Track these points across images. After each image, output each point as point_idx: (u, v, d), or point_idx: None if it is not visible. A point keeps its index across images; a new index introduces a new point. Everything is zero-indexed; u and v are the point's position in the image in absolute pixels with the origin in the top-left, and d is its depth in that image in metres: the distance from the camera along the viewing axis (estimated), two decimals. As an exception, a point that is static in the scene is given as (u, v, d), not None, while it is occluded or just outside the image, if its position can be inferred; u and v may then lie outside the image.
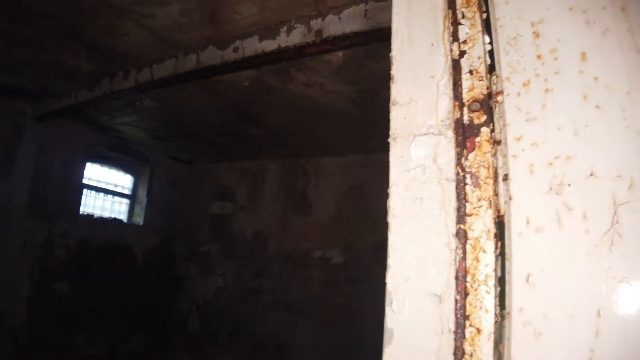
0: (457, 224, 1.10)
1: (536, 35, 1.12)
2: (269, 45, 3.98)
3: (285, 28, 3.91)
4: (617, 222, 0.92)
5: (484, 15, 1.26)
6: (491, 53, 1.21)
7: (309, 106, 5.88)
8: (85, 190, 7.92)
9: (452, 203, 1.12)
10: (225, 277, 8.83)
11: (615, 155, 0.96)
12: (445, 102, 1.21)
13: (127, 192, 8.93)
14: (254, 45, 4.10)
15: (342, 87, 5.20)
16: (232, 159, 9.28)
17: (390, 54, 1.37)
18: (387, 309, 1.17)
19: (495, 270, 1.04)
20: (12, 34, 4.53)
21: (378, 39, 3.53)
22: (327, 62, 4.63)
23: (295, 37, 3.83)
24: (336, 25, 3.62)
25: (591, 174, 0.97)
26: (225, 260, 8.94)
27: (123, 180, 8.88)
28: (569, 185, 0.98)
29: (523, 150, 1.05)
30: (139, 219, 8.88)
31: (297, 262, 8.07)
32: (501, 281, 1.04)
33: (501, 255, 1.05)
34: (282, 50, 3.90)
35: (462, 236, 1.08)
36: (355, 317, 6.99)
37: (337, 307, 7.32)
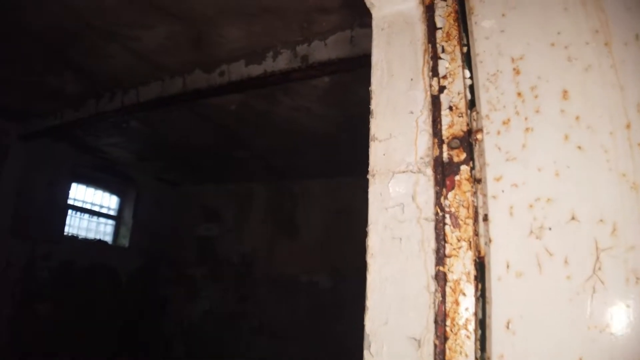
0: (436, 265, 1.07)
1: (516, 71, 1.10)
2: (255, 70, 3.97)
3: (271, 53, 3.91)
4: (599, 269, 0.89)
5: (465, 49, 1.24)
6: (472, 88, 1.18)
7: (296, 130, 5.87)
8: (70, 211, 7.81)
9: (431, 244, 1.09)
10: (211, 301, 8.70)
11: (598, 199, 0.93)
12: (425, 138, 1.18)
13: (112, 213, 8.81)
14: (240, 70, 4.08)
15: (329, 111, 5.19)
16: (219, 181, 9.21)
17: (369, 88, 1.35)
18: (365, 352, 1.13)
19: (476, 313, 1.01)
20: (-3, 53, 4.49)
21: (364, 65, 3.52)
22: (313, 87, 4.63)
23: (281, 62, 3.83)
24: (322, 51, 3.62)
25: (572, 218, 0.94)
26: (211, 284, 8.82)
27: (109, 202, 8.77)
28: (550, 229, 0.95)
29: (503, 191, 1.02)
30: (125, 241, 8.75)
31: (283, 286, 7.98)
32: (482, 324, 1.00)
33: (482, 297, 1.02)
34: (268, 75, 3.89)
35: (441, 278, 1.05)
36: (342, 343, 6.90)
37: (324, 333, 7.22)
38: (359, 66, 3.55)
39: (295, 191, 8.45)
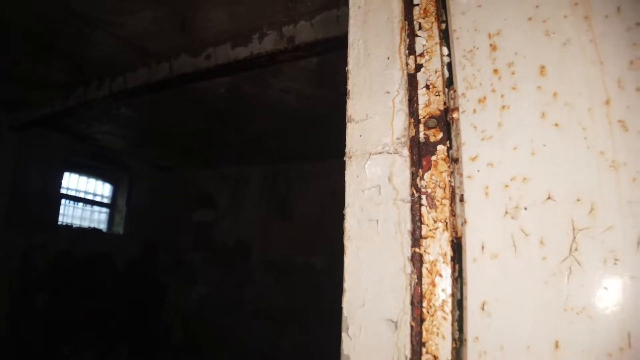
0: (412, 247, 1.05)
1: (493, 47, 1.07)
2: (242, 52, 3.92)
3: (257, 35, 3.85)
4: (575, 250, 0.87)
5: (443, 26, 1.20)
6: (449, 65, 1.16)
7: (287, 111, 5.82)
8: (63, 200, 7.79)
9: (407, 225, 1.07)
10: (208, 286, 8.71)
11: (575, 178, 0.90)
12: (401, 118, 1.16)
13: (106, 201, 8.79)
14: (226, 53, 4.03)
15: (319, 92, 5.15)
16: (213, 166, 9.17)
17: (346, 68, 1.32)
18: (344, 335, 1.13)
19: (453, 294, 0.99)
20: (-18, 44, 4.44)
21: (351, 45, 3.48)
22: (302, 68, 4.58)
23: (267, 44, 3.77)
24: (308, 31, 3.57)
25: (549, 197, 0.92)
26: (208, 269, 8.82)
27: (102, 189, 8.74)
28: (525, 209, 0.93)
29: (478, 171, 1.00)
30: (119, 229, 8.75)
31: (280, 269, 7.99)
32: (460, 305, 0.99)
33: (460, 278, 1.00)
34: (255, 57, 3.84)
35: (417, 260, 1.03)
36: (341, 324, 6.92)
37: (322, 314, 7.24)
38: (346, 46, 3.50)
39: (289, 174, 8.42)
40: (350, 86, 1.29)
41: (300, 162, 8.24)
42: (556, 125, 0.95)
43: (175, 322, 8.85)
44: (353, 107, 1.26)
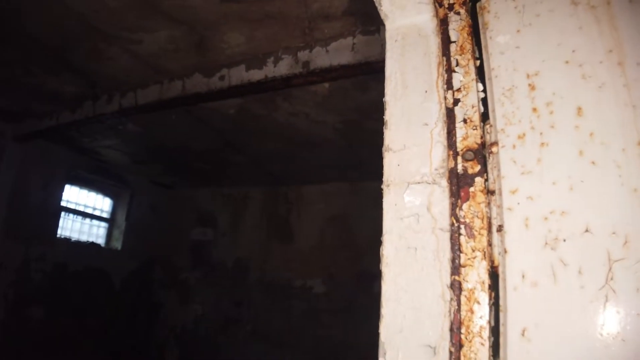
0: (451, 275, 1.09)
1: (532, 87, 1.13)
2: (256, 74, 3.99)
3: (272, 58, 3.93)
4: (611, 279, 0.92)
5: (477, 63, 1.27)
6: (484, 101, 1.21)
7: (294, 135, 5.89)
8: (63, 213, 7.78)
9: (447, 254, 1.11)
10: (205, 306, 8.67)
11: (611, 212, 0.96)
12: (440, 150, 1.21)
13: (105, 215, 8.78)
14: (240, 74, 4.10)
15: (327, 116, 5.22)
16: (215, 185, 9.21)
17: (383, 99, 1.37)
18: (380, 360, 1.15)
19: (489, 321, 1.03)
20: (-5, 55, 4.49)
21: (365, 72, 3.56)
22: (313, 93, 4.65)
23: (282, 67, 3.85)
24: (323, 57, 3.65)
25: (586, 230, 0.97)
26: (205, 288, 8.78)
27: (102, 204, 8.73)
28: (564, 240, 0.98)
29: (518, 203, 1.05)
30: (117, 244, 8.71)
31: (278, 291, 7.97)
32: (495, 331, 1.03)
33: (495, 305, 1.04)
34: (269, 81, 3.91)
35: (456, 287, 1.07)
36: (337, 349, 6.91)
37: (319, 339, 7.22)
38: (360, 73, 3.58)
39: (290, 196, 8.46)
40: (387, 117, 1.34)
41: (302, 185, 8.28)
42: (593, 162, 1.01)
43: (170, 341, 8.77)
44: (391, 137, 1.31)
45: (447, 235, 1.12)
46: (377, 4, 1.42)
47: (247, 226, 8.77)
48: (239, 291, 8.38)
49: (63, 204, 7.70)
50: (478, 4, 1.35)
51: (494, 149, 1.13)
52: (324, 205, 7.95)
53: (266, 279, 8.19)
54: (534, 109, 1.10)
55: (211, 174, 8.46)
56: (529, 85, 1.13)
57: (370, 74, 3.65)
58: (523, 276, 1.00)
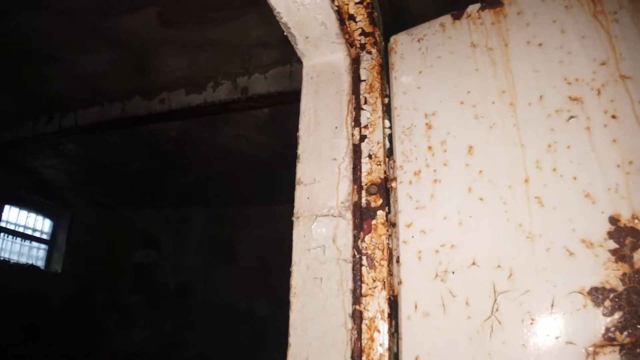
0: (353, 304, 1.14)
1: (429, 126, 1.20)
2: (195, 99, 4.00)
3: (212, 83, 3.96)
4: (497, 310, 0.98)
5: (386, 100, 1.33)
6: (390, 137, 1.28)
7: (236, 157, 5.90)
8: (1, 234, 7.48)
9: (349, 284, 1.16)
10: (148, 330, 8.45)
11: (496, 246, 1.03)
12: (346, 184, 1.26)
13: (45, 237, 8.49)
14: (180, 98, 4.11)
15: (269, 140, 5.26)
16: (156, 207, 9.05)
17: (297, 134, 1.42)
18: (286, 386, 1.18)
19: (390, 348, 1.08)
20: None
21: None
22: (254, 117, 4.69)
23: (221, 93, 3.88)
24: (262, 83, 3.70)
25: (473, 263, 1.03)
26: (149, 312, 8.58)
27: (42, 225, 8.45)
28: (453, 272, 1.04)
29: (412, 236, 1.11)
30: (57, 266, 8.42)
31: (222, 314, 7.86)
32: (396, 358, 1.08)
33: (396, 332, 1.09)
34: (208, 105, 3.93)
35: (357, 317, 1.12)
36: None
37: (262, 361, 7.15)
38: (297, 100, 3.63)
39: (233, 218, 8.41)
40: (300, 151, 1.39)
41: (245, 206, 8.25)
42: (481, 199, 1.08)
43: (110, 366, 8.51)
44: (302, 171, 1.36)
45: (350, 266, 1.17)
46: (292, 43, 1.47)
47: (191, 248, 8.65)
48: (182, 314, 8.23)
49: (2, 224, 7.42)
50: (388, 45, 1.43)
51: (393, 184, 1.19)
52: (266, 227, 7.93)
53: (210, 301, 8.07)
54: (429, 147, 1.17)
55: (154, 196, 8.33)
56: (426, 124, 1.20)
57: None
58: (416, 306, 1.06)
